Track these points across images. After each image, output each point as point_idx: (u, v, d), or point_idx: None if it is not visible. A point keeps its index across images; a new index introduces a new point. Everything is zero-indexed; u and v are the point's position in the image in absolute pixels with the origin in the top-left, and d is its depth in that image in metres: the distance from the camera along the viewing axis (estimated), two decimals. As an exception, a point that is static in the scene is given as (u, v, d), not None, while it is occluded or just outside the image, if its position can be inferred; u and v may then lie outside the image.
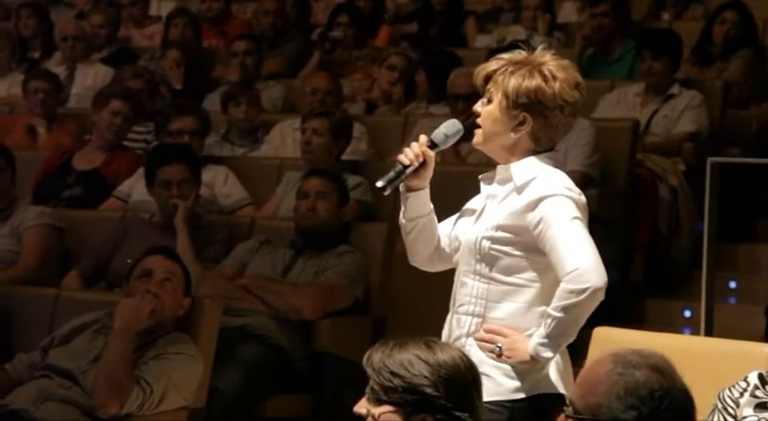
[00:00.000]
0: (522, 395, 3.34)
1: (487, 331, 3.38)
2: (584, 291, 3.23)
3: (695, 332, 5.78)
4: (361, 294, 5.53)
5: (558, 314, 3.26)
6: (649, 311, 6.54)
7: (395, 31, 9.43)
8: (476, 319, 3.41)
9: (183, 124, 6.56)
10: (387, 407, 2.82)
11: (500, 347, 3.34)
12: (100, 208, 6.57)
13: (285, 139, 7.17)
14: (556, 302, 3.27)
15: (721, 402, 3.11)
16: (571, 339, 3.35)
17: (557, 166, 3.42)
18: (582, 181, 6.33)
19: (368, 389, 2.86)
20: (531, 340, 3.31)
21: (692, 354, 3.52)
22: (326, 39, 8.64)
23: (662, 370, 2.61)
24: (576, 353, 3.43)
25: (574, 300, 3.24)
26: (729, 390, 3.12)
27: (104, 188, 6.67)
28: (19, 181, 6.26)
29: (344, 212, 5.78)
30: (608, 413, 2.58)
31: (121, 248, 5.82)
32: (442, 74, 7.21)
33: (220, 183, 6.56)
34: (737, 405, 3.09)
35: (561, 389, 3.37)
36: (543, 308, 3.33)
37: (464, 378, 2.85)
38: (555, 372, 3.37)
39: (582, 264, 3.24)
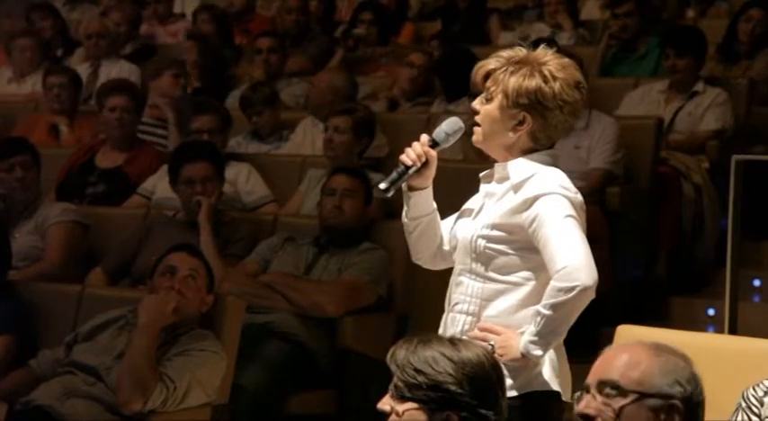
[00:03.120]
0: (514, 393, 3.32)
1: (481, 329, 3.38)
2: (572, 289, 3.23)
3: (719, 330, 5.76)
4: (384, 291, 5.53)
5: (548, 312, 3.27)
6: (673, 309, 6.51)
7: (418, 28, 9.42)
8: (470, 318, 3.41)
9: (202, 123, 6.55)
10: (411, 404, 2.83)
11: (493, 345, 3.32)
12: (123, 205, 6.58)
13: (307, 136, 7.16)
14: (545, 300, 3.28)
15: (745, 401, 3.11)
16: (561, 337, 3.35)
17: (555, 164, 3.41)
18: (605, 178, 6.33)
19: (391, 386, 2.86)
20: (522, 338, 3.31)
21: (716, 353, 3.52)
22: (350, 36, 8.64)
23: (690, 361, 2.68)
24: (600, 351, 3.42)
25: (562, 298, 3.24)
26: (753, 389, 3.12)
27: (127, 186, 6.67)
28: (42, 179, 6.27)
29: (368, 211, 5.78)
30: (656, 387, 2.64)
31: (145, 245, 5.83)
32: (460, 71, 7.17)
33: (243, 181, 6.56)
34: (761, 404, 3.09)
35: (554, 387, 3.38)
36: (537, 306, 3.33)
37: (488, 375, 2.85)
38: (549, 370, 3.37)
39: (572, 262, 3.24)
